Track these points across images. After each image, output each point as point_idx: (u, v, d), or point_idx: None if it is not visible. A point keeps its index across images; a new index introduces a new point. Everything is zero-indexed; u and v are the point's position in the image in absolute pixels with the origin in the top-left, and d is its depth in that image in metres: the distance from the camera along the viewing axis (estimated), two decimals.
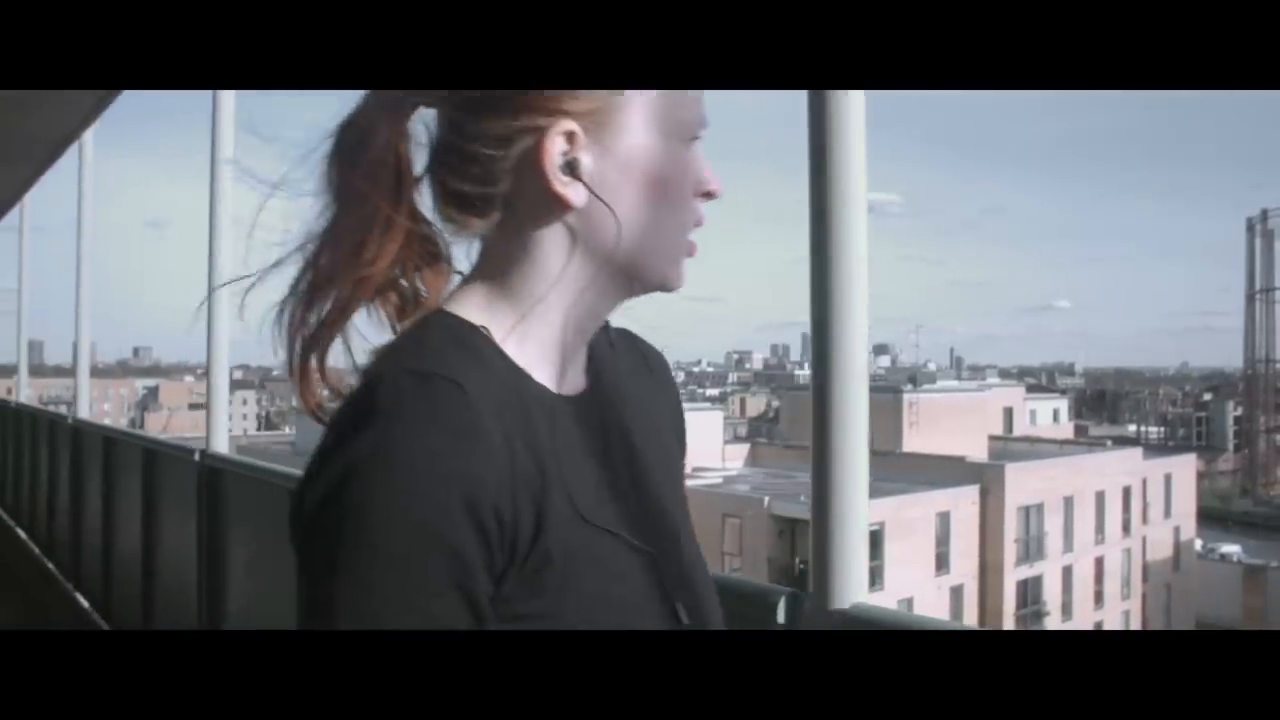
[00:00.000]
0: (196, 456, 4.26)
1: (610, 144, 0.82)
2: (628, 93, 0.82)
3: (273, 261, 0.83)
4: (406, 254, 0.83)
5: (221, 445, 4.25)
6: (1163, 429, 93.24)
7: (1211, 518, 48.45)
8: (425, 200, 0.85)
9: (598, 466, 0.82)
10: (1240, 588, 38.17)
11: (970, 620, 31.05)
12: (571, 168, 0.81)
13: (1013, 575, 32.03)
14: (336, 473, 0.70)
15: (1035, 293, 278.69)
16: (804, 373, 30.21)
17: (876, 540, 26.97)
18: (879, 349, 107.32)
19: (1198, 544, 41.83)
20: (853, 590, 1.35)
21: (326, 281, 0.82)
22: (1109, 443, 48.40)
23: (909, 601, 27.84)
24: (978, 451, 36.58)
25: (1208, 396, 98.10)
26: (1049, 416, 53.98)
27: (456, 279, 0.86)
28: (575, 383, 0.87)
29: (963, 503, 31.96)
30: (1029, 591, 32.83)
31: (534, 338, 0.84)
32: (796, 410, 41.77)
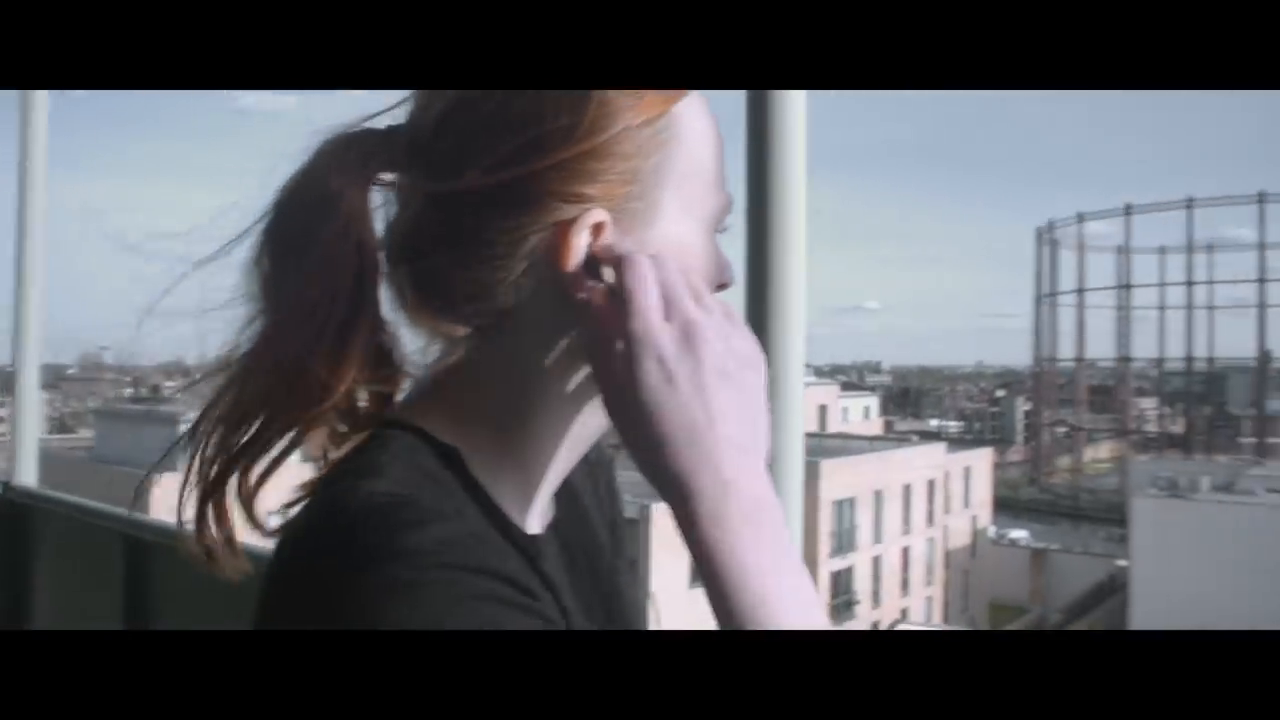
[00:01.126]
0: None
1: (641, 235, 0.66)
2: (663, 173, 0.67)
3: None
4: (360, 375, 0.66)
5: (29, 477, 3.40)
6: (961, 423, 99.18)
7: (1003, 506, 51.71)
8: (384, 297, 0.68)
9: (575, 604, 0.71)
10: (1028, 570, 40.94)
11: None
12: (593, 266, 0.65)
13: (826, 567, 33.30)
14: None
15: (847, 293, 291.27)
16: None
17: None
18: None
19: (991, 531, 44.65)
20: None
21: (253, 414, 0.66)
22: (915, 438, 51.05)
23: None
24: None
25: (1001, 393, 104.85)
26: (860, 413, 56.60)
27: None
28: (547, 512, 0.74)
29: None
30: (841, 582, 34.21)
31: (514, 466, 0.69)
32: None
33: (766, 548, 0.59)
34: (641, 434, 0.62)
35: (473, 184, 0.64)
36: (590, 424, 0.71)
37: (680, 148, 0.67)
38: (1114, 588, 33.50)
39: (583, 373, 0.68)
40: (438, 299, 0.67)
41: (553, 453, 0.70)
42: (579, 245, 0.64)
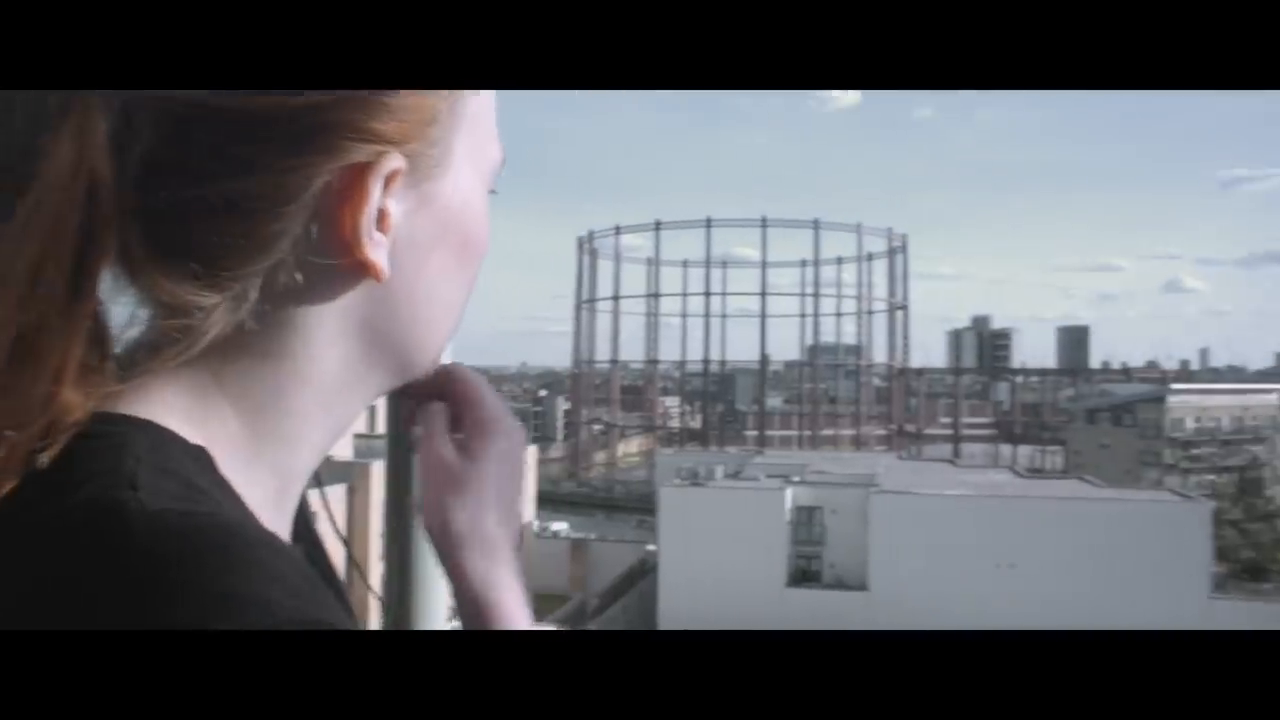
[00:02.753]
0: None
1: (430, 190, 0.57)
2: (457, 114, 0.57)
3: None
4: (75, 373, 0.50)
5: None
6: None
7: (544, 500, 54.20)
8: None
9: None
10: (568, 560, 43.26)
11: None
12: (379, 223, 0.54)
13: (378, 570, 32.67)
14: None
15: None
16: None
17: None
18: None
19: (535, 524, 46.66)
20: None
21: None
22: None
23: None
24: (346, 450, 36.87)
25: (543, 393, 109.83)
26: None
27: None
28: (290, 516, 0.62)
29: (333, 501, 31.98)
30: None
31: (268, 471, 0.57)
32: None
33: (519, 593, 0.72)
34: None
35: (252, 103, 0.50)
36: (347, 421, 0.61)
37: None
38: (645, 570, 36.38)
39: (354, 345, 0.58)
40: (182, 255, 0.51)
41: (307, 456, 0.59)
42: (374, 195, 0.53)
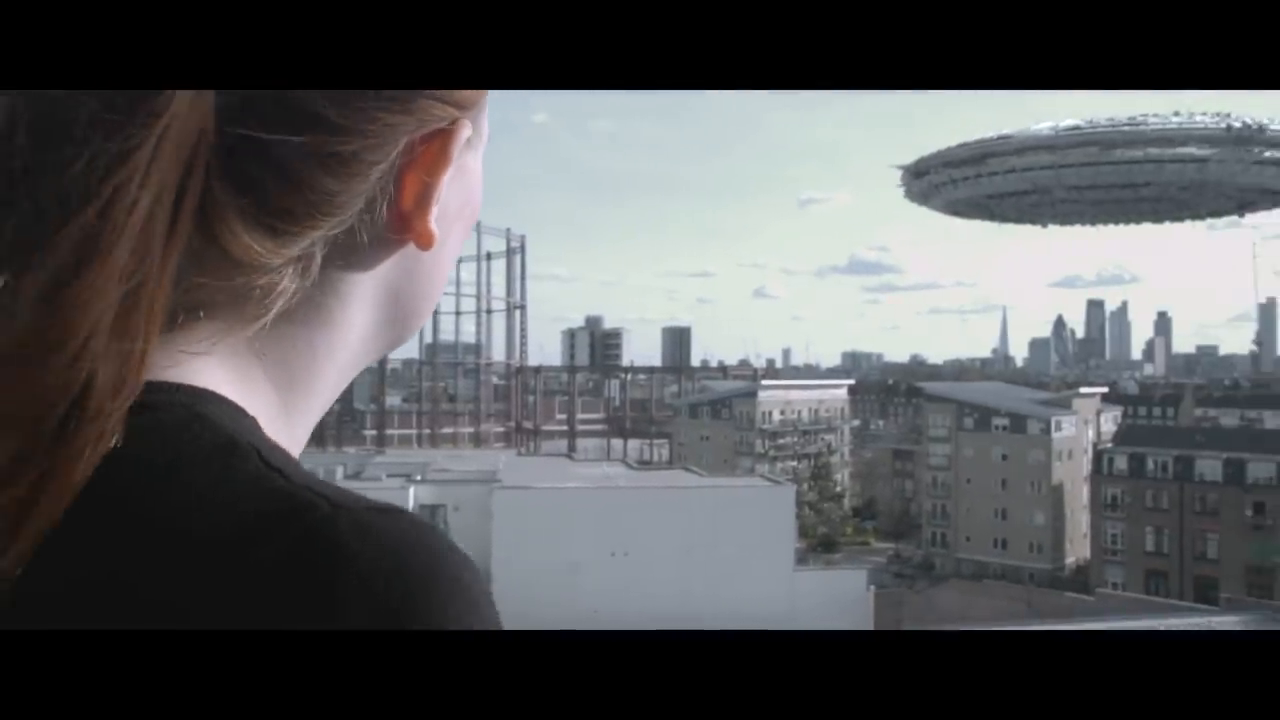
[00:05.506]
0: None
1: (465, 162, 0.56)
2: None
3: None
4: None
5: None
6: None
7: None
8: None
9: None
10: None
11: None
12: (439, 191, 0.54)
13: None
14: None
15: None
16: None
17: None
18: None
19: None
20: None
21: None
22: None
23: None
24: None
25: None
26: None
27: None
28: None
29: None
30: None
31: (292, 442, 0.53)
32: None
33: None
34: None
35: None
36: (351, 375, 0.58)
37: None
38: None
39: (384, 310, 0.57)
40: (263, 208, 0.48)
41: (308, 428, 0.56)
42: (453, 161, 0.53)
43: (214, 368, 0.50)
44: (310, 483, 0.45)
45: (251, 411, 0.50)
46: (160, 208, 0.45)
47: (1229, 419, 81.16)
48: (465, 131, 0.53)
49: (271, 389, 0.52)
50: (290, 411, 0.54)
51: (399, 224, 0.52)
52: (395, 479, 34.36)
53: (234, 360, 0.51)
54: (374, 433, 61.87)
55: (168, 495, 0.43)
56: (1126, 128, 62.67)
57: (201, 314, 0.50)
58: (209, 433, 0.46)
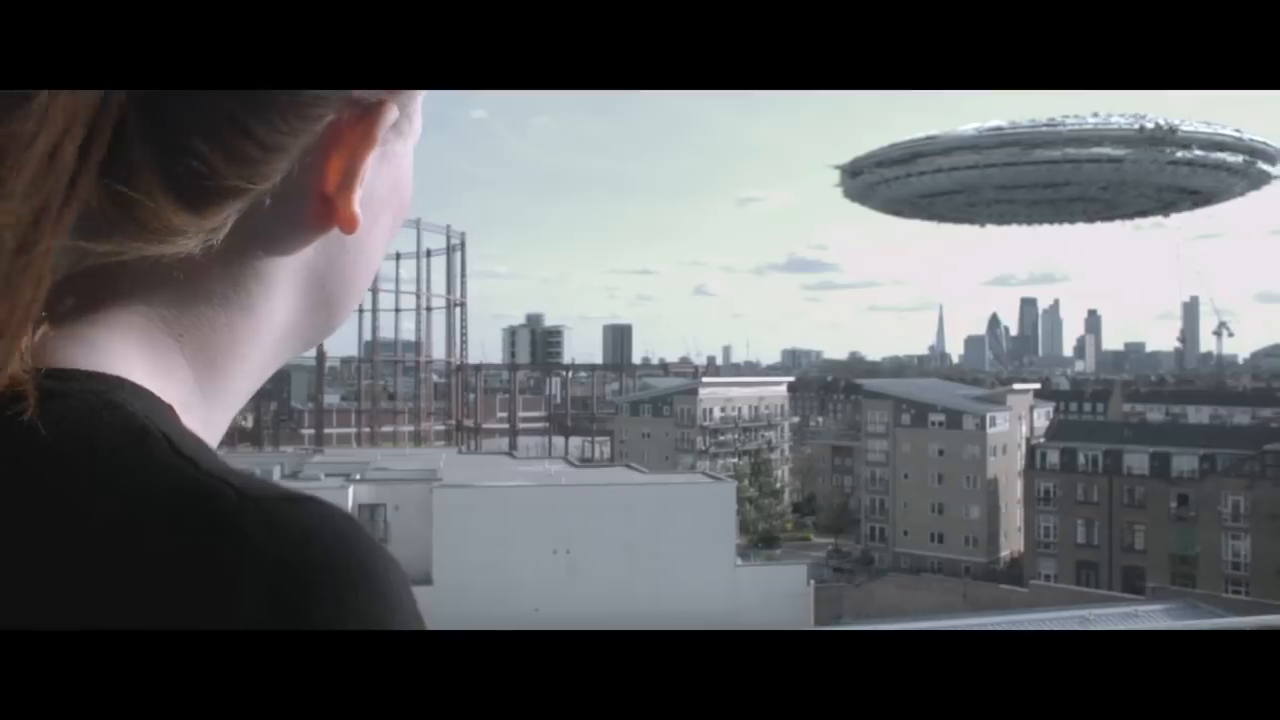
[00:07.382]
0: None
1: (392, 149, 0.56)
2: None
3: None
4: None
5: None
6: None
7: None
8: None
9: None
10: None
11: None
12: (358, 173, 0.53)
13: None
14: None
15: None
16: None
17: None
18: None
19: None
20: None
21: None
22: None
23: None
24: None
25: None
26: None
27: None
28: None
29: None
30: None
31: (210, 430, 0.52)
32: None
33: None
34: None
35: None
36: (259, 385, 0.57)
37: None
38: None
39: (302, 297, 0.56)
40: (179, 171, 0.46)
41: (229, 414, 0.55)
42: (377, 141, 0.52)
43: (130, 352, 0.49)
44: (222, 472, 0.44)
45: (168, 397, 0.48)
46: (62, 153, 0.42)
47: (1155, 414, 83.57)
48: (391, 114, 0.52)
49: (190, 373, 0.51)
50: (210, 397, 0.52)
51: (322, 206, 0.52)
52: (334, 478, 33.98)
53: (150, 344, 0.50)
54: (312, 431, 61.09)
55: (74, 481, 0.43)
56: (1045, 128, 63.70)
57: (114, 293, 0.49)
58: (120, 420, 0.44)
